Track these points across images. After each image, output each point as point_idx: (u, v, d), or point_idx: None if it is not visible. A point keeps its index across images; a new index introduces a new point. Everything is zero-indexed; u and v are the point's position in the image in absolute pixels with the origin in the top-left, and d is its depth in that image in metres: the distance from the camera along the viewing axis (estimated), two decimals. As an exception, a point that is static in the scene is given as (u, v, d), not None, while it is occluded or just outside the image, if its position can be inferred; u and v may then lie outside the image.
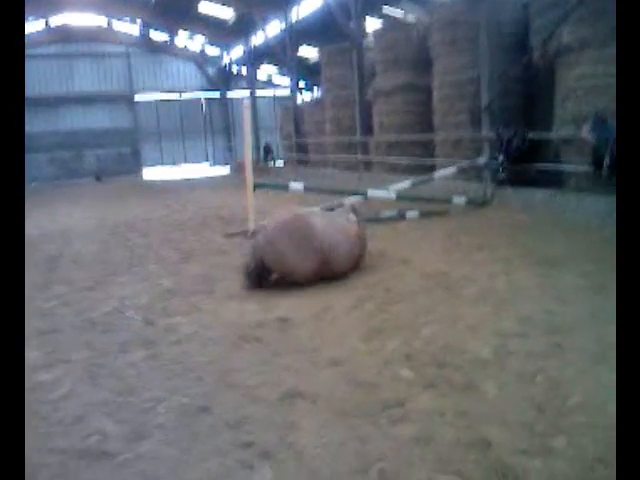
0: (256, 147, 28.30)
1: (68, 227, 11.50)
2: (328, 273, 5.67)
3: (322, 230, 5.66)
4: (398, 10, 22.72)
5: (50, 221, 12.64)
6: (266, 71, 37.02)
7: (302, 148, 23.62)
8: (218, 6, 26.75)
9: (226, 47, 33.89)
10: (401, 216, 9.67)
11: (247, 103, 9.24)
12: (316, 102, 23.43)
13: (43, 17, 31.23)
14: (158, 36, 35.19)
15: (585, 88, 9.16)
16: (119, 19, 33.66)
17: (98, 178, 30.31)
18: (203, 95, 38.03)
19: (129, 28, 34.75)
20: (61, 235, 10.38)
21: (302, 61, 29.48)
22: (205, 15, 28.51)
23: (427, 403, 3.12)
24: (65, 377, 3.78)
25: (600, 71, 8.95)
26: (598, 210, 8.32)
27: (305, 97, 31.32)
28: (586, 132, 8.56)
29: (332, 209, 6.96)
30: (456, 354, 3.75)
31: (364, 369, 3.61)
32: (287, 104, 26.06)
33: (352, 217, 6.31)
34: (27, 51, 27.28)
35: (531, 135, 10.20)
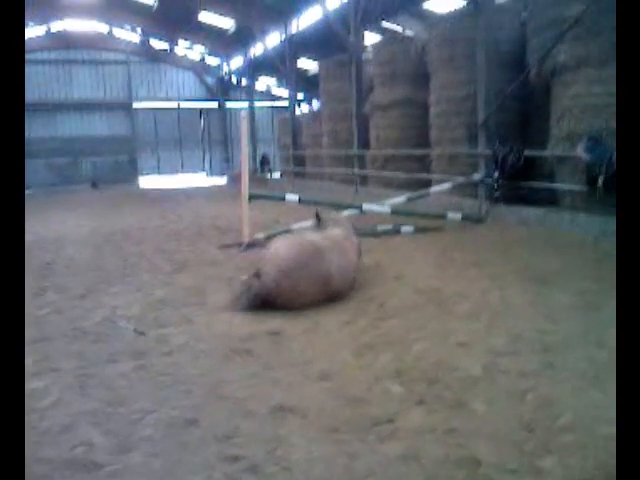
0: (253, 158, 28.38)
1: (62, 234, 11.47)
2: (329, 296, 5.49)
3: (330, 258, 5.46)
4: (397, 26, 22.87)
5: (44, 228, 12.60)
6: (265, 82, 37.19)
7: (299, 160, 23.71)
8: (218, 16, 26.89)
9: (226, 57, 34.07)
10: (396, 231, 9.70)
11: (244, 114, 9.26)
12: (314, 114, 23.54)
13: (44, 23, 31.38)
14: (158, 45, 35.37)
15: (580, 107, 9.23)
16: (120, 27, 33.81)
17: (94, 185, 30.34)
18: (201, 105, 38.14)
19: (129, 36, 34.92)
20: (55, 242, 10.34)
21: (301, 73, 29.65)
22: (205, 25, 28.67)
23: (417, 420, 3.11)
24: (54, 386, 3.76)
25: (595, 90, 9.04)
26: (592, 228, 8.38)
27: (303, 109, 31.47)
28: (581, 151, 8.62)
29: (320, 220, 6.65)
30: (447, 371, 3.74)
31: (355, 384, 3.61)
32: (285, 116, 26.17)
33: (350, 234, 6.26)
34: (27, 56, 27.39)
35: (526, 153, 10.26)
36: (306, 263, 5.31)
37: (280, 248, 5.53)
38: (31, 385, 3.73)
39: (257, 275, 5.40)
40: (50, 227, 12.77)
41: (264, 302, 5.27)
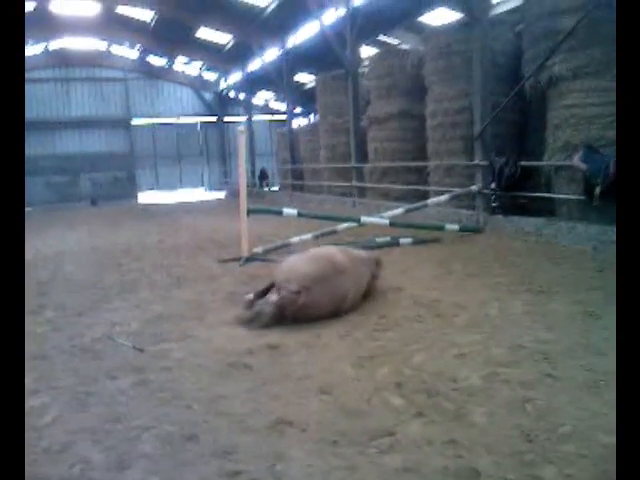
0: (252, 172, 28.46)
1: (61, 251, 11.47)
2: (341, 312, 5.47)
3: (349, 277, 5.49)
4: (392, 39, 23.00)
5: (44, 245, 12.60)
6: (263, 97, 37.35)
7: (297, 174, 23.78)
8: (216, 32, 27.07)
9: (223, 73, 34.25)
10: (394, 243, 9.70)
11: (242, 128, 9.29)
12: (312, 128, 23.63)
13: (44, 41, 31.56)
14: (156, 61, 35.56)
15: (576, 117, 9.28)
16: (118, 44, 34.02)
17: (94, 202, 30.40)
18: (200, 120, 38.30)
19: (127, 53, 35.13)
20: (54, 259, 10.34)
21: (298, 87, 29.79)
22: (203, 41, 28.87)
23: (416, 431, 3.10)
24: (53, 403, 3.75)
25: (591, 100, 9.09)
26: (590, 238, 8.38)
27: (301, 123, 31.60)
28: (577, 161, 8.65)
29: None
30: (446, 382, 3.73)
31: (354, 397, 3.60)
32: (283, 130, 26.28)
33: (371, 260, 6.23)
34: (25, 74, 27.54)
35: (523, 163, 10.30)
36: (327, 279, 5.28)
37: (301, 262, 5.50)
38: (30, 403, 3.72)
39: (277, 288, 5.33)
40: (50, 244, 12.77)
41: (282, 317, 5.22)
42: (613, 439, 2.76)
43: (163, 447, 3.09)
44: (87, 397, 3.83)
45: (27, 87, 29.22)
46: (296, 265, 5.48)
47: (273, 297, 5.29)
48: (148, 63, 35.69)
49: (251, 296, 5.58)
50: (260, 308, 5.38)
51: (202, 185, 38.68)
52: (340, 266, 5.47)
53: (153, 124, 37.09)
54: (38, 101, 33.08)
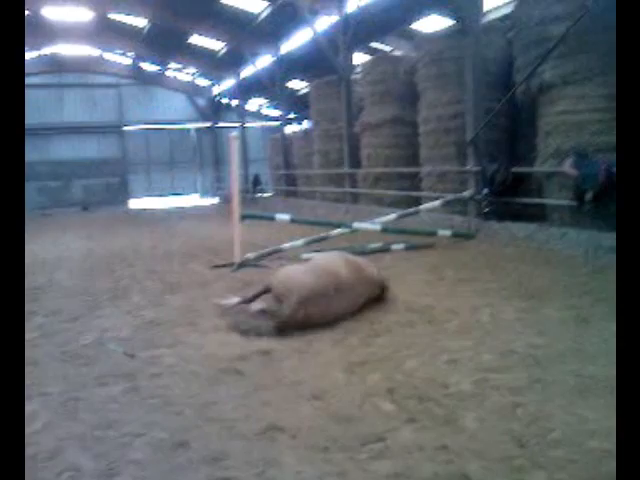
0: (245, 178, 28.45)
1: (53, 257, 11.42)
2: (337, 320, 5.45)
3: (352, 292, 5.50)
4: (385, 46, 23.08)
5: (35, 251, 12.53)
6: (256, 103, 37.38)
7: (291, 180, 23.79)
8: (209, 39, 27.10)
9: (217, 79, 34.26)
10: (387, 249, 9.71)
11: (234, 134, 9.29)
12: (305, 134, 23.66)
13: (37, 49, 31.46)
14: (149, 67, 35.53)
15: (567, 124, 9.34)
16: (111, 51, 33.97)
17: (85, 208, 30.31)
18: (193, 126, 38.28)
19: (120, 59, 35.08)
20: (45, 265, 10.29)
21: (292, 93, 29.83)
22: (196, 47, 28.88)
23: (407, 437, 3.10)
24: (43, 410, 3.72)
25: (581, 107, 9.16)
26: (581, 243, 8.41)
27: (295, 129, 31.64)
28: (569, 167, 8.69)
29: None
30: (437, 387, 3.74)
31: (346, 403, 3.59)
32: (276, 136, 26.31)
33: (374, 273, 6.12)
34: (18, 81, 27.40)
35: (515, 169, 10.34)
36: (327, 295, 5.24)
37: (303, 274, 5.43)
38: (19, 410, 3.69)
39: (275, 296, 5.31)
40: (41, 250, 12.70)
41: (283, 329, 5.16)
42: (603, 444, 2.79)
43: (153, 454, 3.07)
44: (77, 403, 3.81)
45: (20, 93, 29.15)
46: (298, 276, 5.43)
47: (258, 305, 5.27)
48: (141, 69, 35.65)
49: (231, 302, 5.57)
50: (259, 322, 5.26)
51: (195, 191, 38.63)
52: (343, 283, 5.42)
53: (146, 130, 37.03)
54: (31, 107, 32.74)
